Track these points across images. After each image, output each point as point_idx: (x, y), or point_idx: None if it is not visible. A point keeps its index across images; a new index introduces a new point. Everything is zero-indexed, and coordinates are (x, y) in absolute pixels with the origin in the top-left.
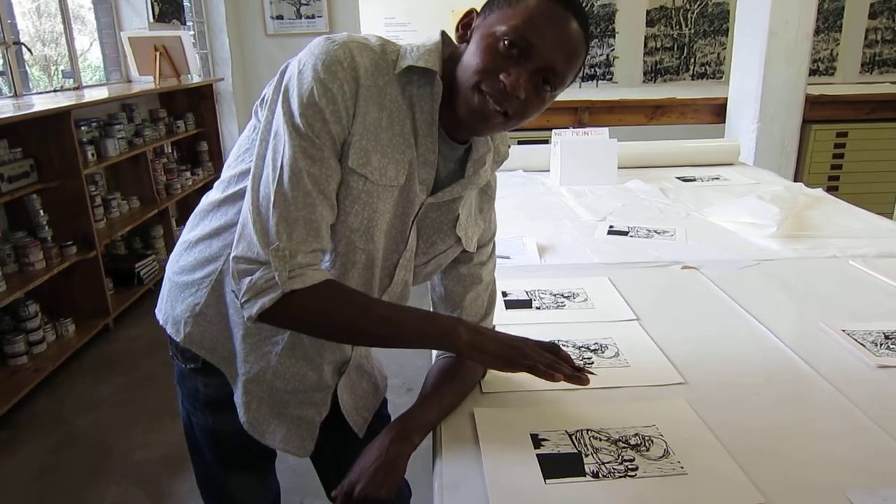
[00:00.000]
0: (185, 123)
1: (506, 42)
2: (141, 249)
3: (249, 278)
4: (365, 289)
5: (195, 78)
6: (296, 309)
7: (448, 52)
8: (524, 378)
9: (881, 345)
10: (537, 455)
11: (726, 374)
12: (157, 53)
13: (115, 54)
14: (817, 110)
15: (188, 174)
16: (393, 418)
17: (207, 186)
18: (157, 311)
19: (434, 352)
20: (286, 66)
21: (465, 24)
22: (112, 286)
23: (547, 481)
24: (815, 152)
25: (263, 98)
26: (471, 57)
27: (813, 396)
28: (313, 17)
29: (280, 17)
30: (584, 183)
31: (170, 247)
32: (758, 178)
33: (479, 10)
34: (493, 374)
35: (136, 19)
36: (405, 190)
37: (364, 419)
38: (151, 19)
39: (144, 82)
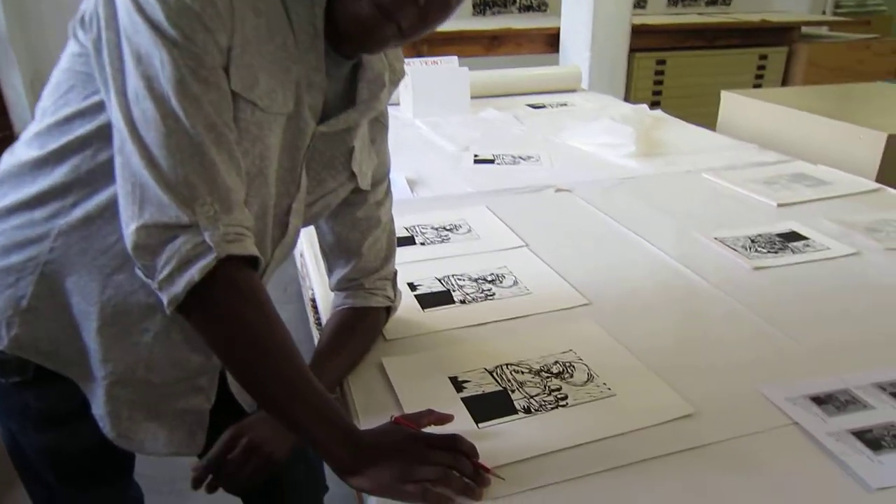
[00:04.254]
0: None
1: None
2: None
3: (171, 245)
4: (258, 247)
5: None
6: (232, 288)
7: None
8: (430, 319)
9: (750, 248)
10: (462, 399)
11: (624, 291)
12: None
13: None
14: (638, 39)
15: None
16: None
17: None
18: None
19: (332, 298)
20: None
21: None
22: None
23: (480, 425)
24: (639, 79)
25: (85, 17)
26: None
27: (707, 304)
28: None
29: None
30: (439, 114)
31: None
32: (602, 103)
33: None
34: (395, 319)
35: None
36: (294, 119)
37: None
38: None
39: None
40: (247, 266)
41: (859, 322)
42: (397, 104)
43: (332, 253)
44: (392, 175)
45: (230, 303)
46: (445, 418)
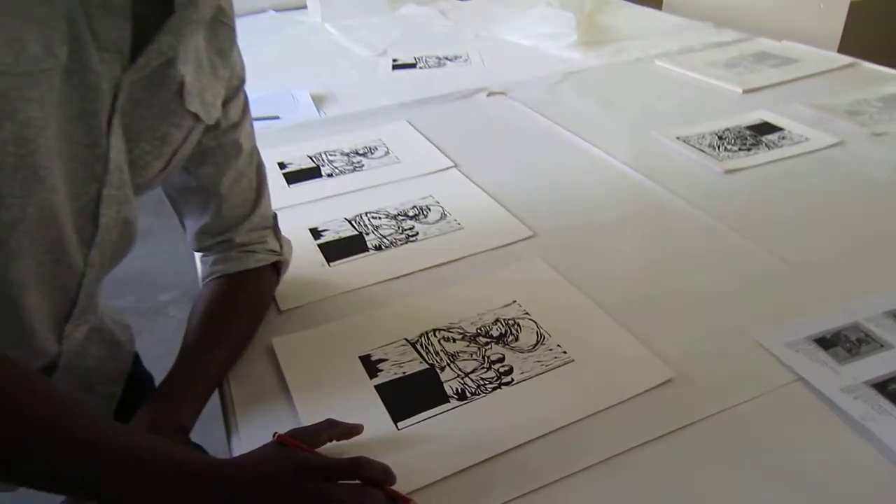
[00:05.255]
0: None
1: None
2: None
3: None
4: (56, 263)
5: None
6: None
7: None
8: (338, 275)
9: (718, 147)
10: (376, 387)
11: (576, 215)
12: None
13: None
14: None
15: None
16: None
17: None
18: None
19: (198, 265)
20: None
21: None
22: None
23: (399, 426)
24: None
25: None
26: None
27: (675, 221)
28: None
29: None
30: (352, 16)
31: None
32: None
33: None
34: (291, 281)
35: None
36: (78, 72)
37: (112, 394)
38: None
39: None
40: None
41: (856, 230)
42: (303, 7)
43: (181, 198)
44: (294, 93)
45: None
46: (351, 431)
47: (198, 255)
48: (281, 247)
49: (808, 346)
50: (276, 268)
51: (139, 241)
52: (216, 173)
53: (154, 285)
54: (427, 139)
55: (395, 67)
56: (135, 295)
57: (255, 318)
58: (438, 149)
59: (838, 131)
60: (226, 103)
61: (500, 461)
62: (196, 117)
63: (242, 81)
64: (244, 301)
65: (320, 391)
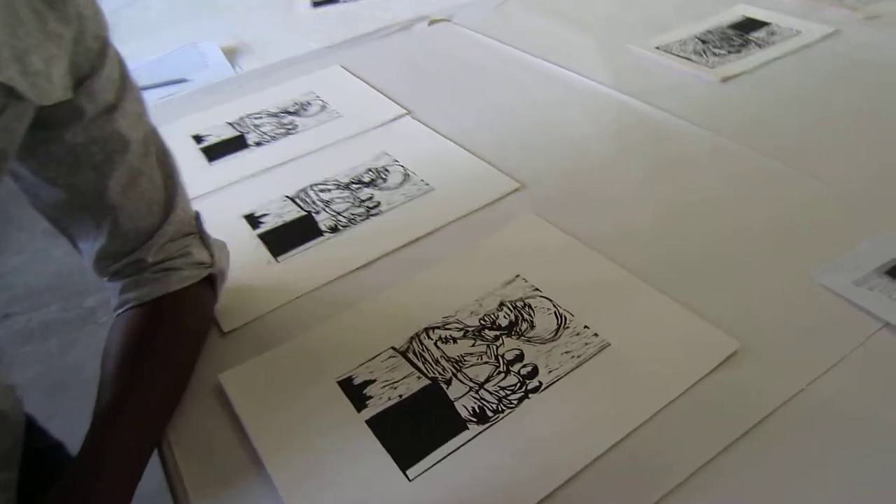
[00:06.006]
0: None
1: None
2: None
3: None
4: None
5: None
6: None
7: None
8: (290, 273)
9: (704, 53)
10: (368, 423)
11: (565, 156)
12: None
13: None
14: None
15: None
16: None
17: None
18: None
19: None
20: None
21: None
22: None
23: (409, 474)
24: None
25: None
26: None
27: (683, 147)
28: None
29: None
30: None
31: None
32: None
33: None
34: (231, 295)
35: None
36: None
37: (5, 481)
38: None
39: None
40: None
41: (887, 131)
42: None
43: (65, 218)
44: (200, 47)
45: None
46: None
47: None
48: (212, 255)
49: (881, 280)
50: (211, 281)
51: (53, 241)
52: (97, 179)
53: (78, 290)
54: (368, 84)
55: (315, 4)
56: (57, 303)
57: (190, 351)
58: (384, 95)
59: (829, 19)
60: (86, 78)
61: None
62: (10, 91)
63: (106, 43)
64: (171, 333)
65: (295, 440)
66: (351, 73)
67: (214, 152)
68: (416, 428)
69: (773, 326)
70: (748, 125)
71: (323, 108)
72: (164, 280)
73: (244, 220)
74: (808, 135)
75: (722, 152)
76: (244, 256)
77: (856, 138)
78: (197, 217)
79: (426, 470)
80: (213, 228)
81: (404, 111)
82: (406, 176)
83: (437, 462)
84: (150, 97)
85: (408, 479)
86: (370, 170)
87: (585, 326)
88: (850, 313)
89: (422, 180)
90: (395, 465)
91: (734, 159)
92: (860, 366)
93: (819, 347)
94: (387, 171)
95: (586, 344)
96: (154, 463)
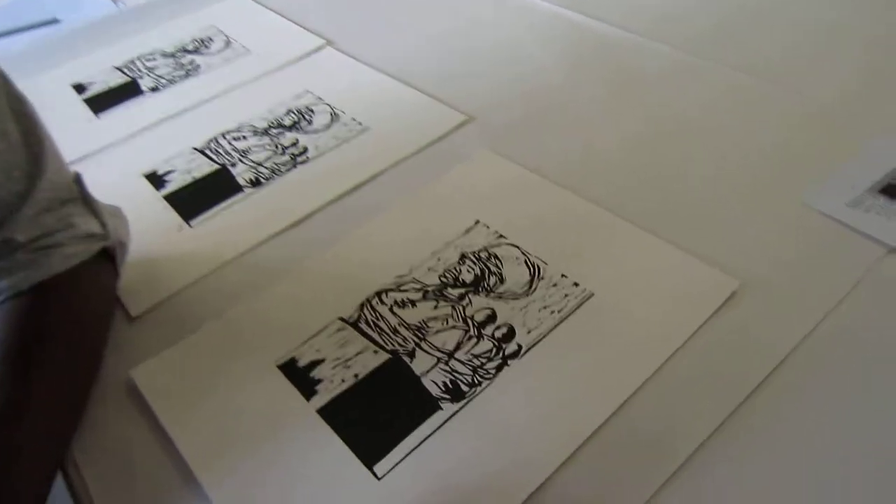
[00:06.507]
0: None
1: None
2: None
3: None
4: None
5: None
6: None
7: None
8: (206, 239)
9: None
10: (319, 412)
11: (513, 81)
12: None
13: None
14: None
15: None
16: None
17: None
18: None
19: None
20: None
21: None
22: None
23: (377, 470)
24: None
25: None
26: None
27: (640, 65)
28: None
29: None
30: None
31: None
32: None
33: None
34: (136, 270)
35: None
36: None
37: None
38: None
39: None
40: None
41: (860, 41)
42: None
43: None
44: None
45: None
46: None
47: None
48: (103, 224)
49: (877, 201)
50: (109, 257)
51: None
52: None
53: None
54: (276, 13)
55: None
56: None
57: (89, 344)
58: (297, 24)
59: None
60: None
61: (541, 497)
62: None
63: None
64: (62, 323)
65: (232, 443)
66: (257, 1)
67: (101, 103)
68: (379, 414)
69: (771, 260)
70: (703, 33)
71: (227, 44)
72: (42, 261)
73: (145, 180)
74: (777, 45)
75: (680, 66)
76: (148, 223)
77: (831, 48)
78: (77, 179)
79: (397, 464)
80: (105, 192)
81: (324, 41)
82: (334, 115)
83: (409, 453)
84: (12, 45)
85: (376, 476)
86: (291, 111)
87: (563, 275)
88: (850, 239)
89: (353, 119)
90: (358, 461)
91: (697, 74)
92: (873, 293)
93: (825, 278)
94: (311, 111)
95: (566, 296)
96: (60, 488)
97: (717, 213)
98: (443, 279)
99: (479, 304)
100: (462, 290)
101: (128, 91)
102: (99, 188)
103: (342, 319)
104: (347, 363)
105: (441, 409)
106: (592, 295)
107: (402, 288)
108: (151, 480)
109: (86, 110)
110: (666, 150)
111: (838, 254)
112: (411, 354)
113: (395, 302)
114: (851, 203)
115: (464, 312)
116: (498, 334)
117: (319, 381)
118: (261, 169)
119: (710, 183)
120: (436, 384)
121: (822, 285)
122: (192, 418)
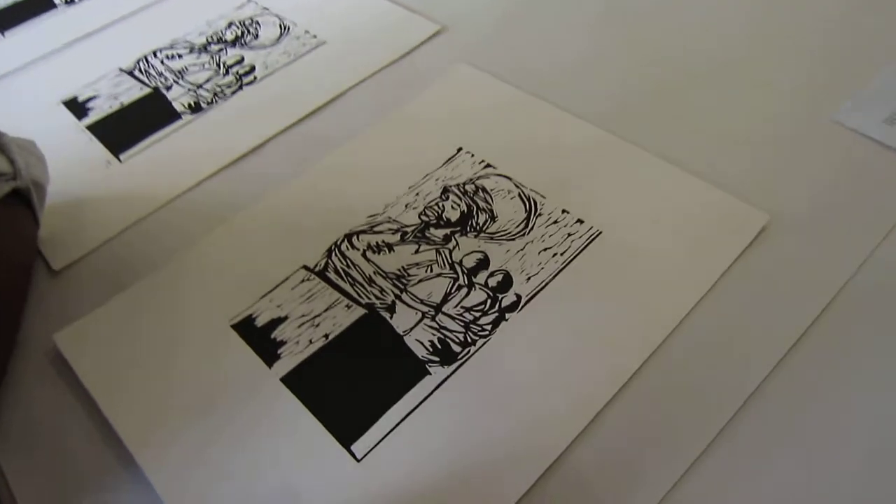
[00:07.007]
0: None
1: None
2: None
3: None
4: None
5: None
6: None
7: None
8: (133, 183)
9: None
10: (283, 381)
11: None
12: None
13: None
14: None
15: None
16: None
17: None
18: None
19: None
20: None
21: None
22: None
23: (356, 450)
24: None
25: None
26: None
27: None
28: None
29: None
30: None
31: None
32: None
33: None
34: (57, 216)
35: None
36: None
37: None
38: None
39: None
40: None
41: None
42: None
43: None
44: None
45: None
46: None
47: None
48: (12, 161)
49: None
50: (24, 200)
51: None
52: None
53: None
54: None
55: None
56: None
57: (2, 305)
58: None
59: None
60: None
61: (555, 476)
62: None
63: None
64: None
65: (177, 419)
66: None
67: (7, 18)
68: (356, 382)
69: (803, 189)
70: None
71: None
72: None
73: (64, 108)
74: None
75: None
76: (70, 159)
77: None
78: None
79: (380, 441)
80: (15, 124)
81: None
82: (284, 28)
83: (394, 427)
84: None
85: (355, 458)
86: (233, 23)
87: (564, 211)
88: (891, 160)
89: (306, 32)
90: (333, 440)
91: None
92: None
93: (867, 208)
94: (256, 23)
95: (569, 235)
96: None
97: (731, 134)
98: (423, 218)
99: (467, 247)
100: (447, 231)
101: (39, 4)
102: (7, 119)
103: (306, 268)
104: (315, 321)
105: (430, 373)
106: (600, 233)
107: (376, 229)
108: (80, 462)
109: None
110: (667, 59)
111: (881, 178)
112: (391, 309)
113: (369, 246)
114: (889, 119)
115: (450, 257)
116: (492, 282)
117: (283, 343)
118: (201, 92)
119: (719, 97)
120: (422, 344)
121: (866, 217)
122: (127, 389)
